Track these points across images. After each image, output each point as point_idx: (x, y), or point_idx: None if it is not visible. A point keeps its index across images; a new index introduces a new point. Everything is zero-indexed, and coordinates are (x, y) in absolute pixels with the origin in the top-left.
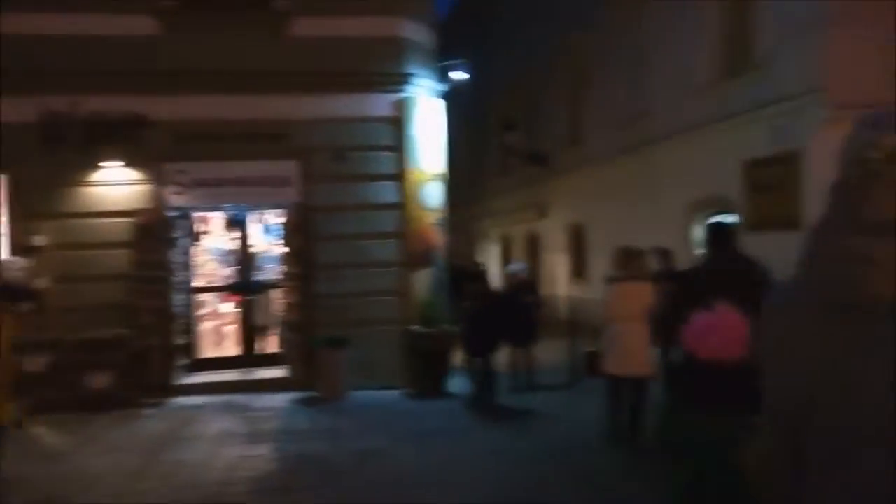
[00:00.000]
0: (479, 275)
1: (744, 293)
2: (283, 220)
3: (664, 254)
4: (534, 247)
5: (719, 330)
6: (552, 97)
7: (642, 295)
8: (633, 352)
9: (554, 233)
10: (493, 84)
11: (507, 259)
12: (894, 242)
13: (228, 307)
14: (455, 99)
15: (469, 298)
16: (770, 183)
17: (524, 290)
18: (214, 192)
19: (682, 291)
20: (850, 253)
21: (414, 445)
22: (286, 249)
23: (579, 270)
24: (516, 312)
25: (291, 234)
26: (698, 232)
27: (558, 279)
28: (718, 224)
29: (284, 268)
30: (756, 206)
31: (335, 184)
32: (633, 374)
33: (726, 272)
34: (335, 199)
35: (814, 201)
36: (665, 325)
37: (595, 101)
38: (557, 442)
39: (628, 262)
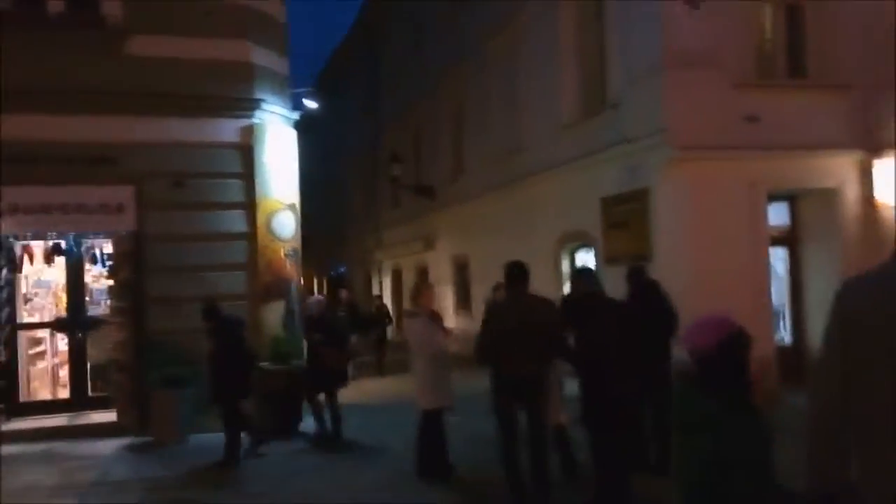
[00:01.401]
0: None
1: (539, 329)
2: (111, 250)
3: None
4: (423, 279)
5: (714, 324)
6: (437, 130)
7: (420, 330)
8: (417, 385)
9: (441, 264)
10: (385, 116)
11: (398, 292)
12: None
13: (61, 345)
14: (347, 132)
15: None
16: (624, 219)
17: (320, 328)
18: (37, 219)
19: (487, 322)
20: None
21: (246, 497)
22: (112, 282)
23: (464, 302)
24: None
25: (121, 265)
26: (566, 265)
27: (446, 311)
28: (512, 265)
29: (113, 302)
30: (612, 240)
31: (175, 212)
32: (423, 406)
33: (519, 308)
34: (175, 229)
35: (661, 236)
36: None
37: (476, 134)
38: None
39: (416, 297)
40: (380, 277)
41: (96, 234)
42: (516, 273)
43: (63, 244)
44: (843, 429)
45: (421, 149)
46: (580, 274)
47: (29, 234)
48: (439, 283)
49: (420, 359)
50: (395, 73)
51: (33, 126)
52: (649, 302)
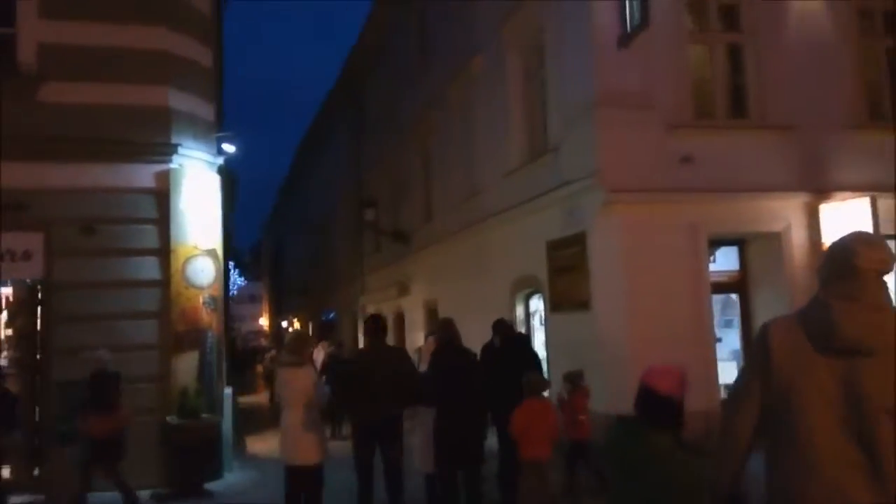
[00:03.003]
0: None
1: (394, 377)
2: (9, 297)
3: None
4: (401, 324)
5: (674, 372)
6: (410, 176)
7: (300, 380)
8: (295, 440)
9: (414, 310)
10: (367, 163)
11: None
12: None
13: None
14: (336, 179)
15: None
16: (566, 264)
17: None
18: None
19: (340, 373)
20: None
21: None
22: (10, 332)
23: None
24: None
25: (18, 313)
26: (520, 311)
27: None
28: (372, 318)
29: (10, 352)
30: (556, 286)
31: (85, 259)
32: (296, 462)
33: (376, 358)
34: (84, 276)
35: (598, 282)
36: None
37: (441, 179)
38: None
39: (295, 347)
40: (442, 317)
41: (2, 283)
42: (374, 325)
43: None
44: (747, 446)
45: (397, 194)
46: (441, 325)
47: None
48: (414, 329)
49: (300, 411)
50: (375, 122)
51: None
52: (512, 352)
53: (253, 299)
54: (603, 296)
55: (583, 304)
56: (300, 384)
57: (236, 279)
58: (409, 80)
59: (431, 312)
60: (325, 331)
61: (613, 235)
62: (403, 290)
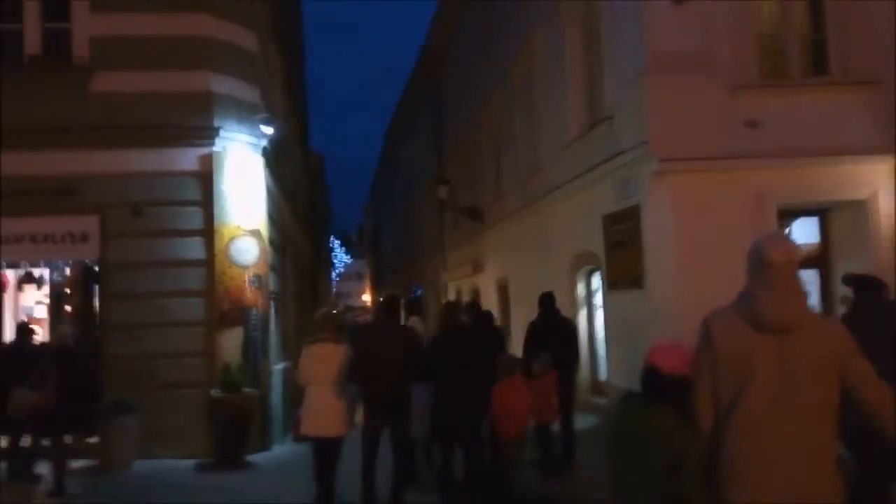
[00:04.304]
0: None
1: (396, 355)
2: (67, 277)
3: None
4: (478, 300)
5: (680, 351)
6: (482, 154)
7: (333, 357)
8: (323, 412)
9: (488, 287)
10: (446, 142)
11: None
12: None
13: None
14: (421, 158)
15: None
16: (621, 239)
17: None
18: (10, 249)
19: (356, 346)
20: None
21: None
22: (69, 309)
23: (505, 326)
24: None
25: (75, 292)
26: (581, 288)
27: None
28: (389, 297)
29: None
30: (613, 263)
31: (135, 240)
32: (323, 434)
33: (381, 336)
34: (135, 256)
35: (653, 258)
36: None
37: (510, 155)
38: None
39: (323, 325)
40: (446, 300)
41: (65, 263)
42: (387, 305)
43: (35, 272)
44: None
45: (473, 173)
46: (444, 308)
47: (3, 262)
48: (488, 305)
49: (327, 386)
50: (452, 102)
51: (4, 162)
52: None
53: (359, 276)
54: (656, 273)
55: (636, 282)
56: (329, 359)
57: (342, 257)
58: (480, 60)
59: (503, 290)
60: (415, 307)
61: (666, 208)
62: (478, 267)
